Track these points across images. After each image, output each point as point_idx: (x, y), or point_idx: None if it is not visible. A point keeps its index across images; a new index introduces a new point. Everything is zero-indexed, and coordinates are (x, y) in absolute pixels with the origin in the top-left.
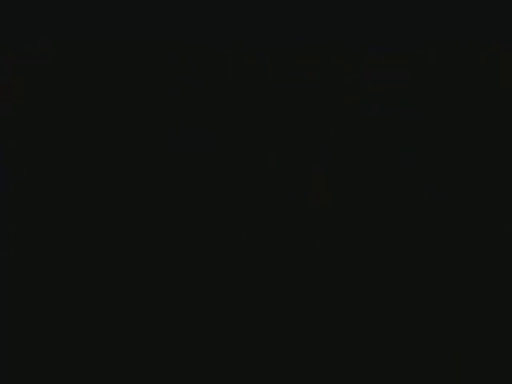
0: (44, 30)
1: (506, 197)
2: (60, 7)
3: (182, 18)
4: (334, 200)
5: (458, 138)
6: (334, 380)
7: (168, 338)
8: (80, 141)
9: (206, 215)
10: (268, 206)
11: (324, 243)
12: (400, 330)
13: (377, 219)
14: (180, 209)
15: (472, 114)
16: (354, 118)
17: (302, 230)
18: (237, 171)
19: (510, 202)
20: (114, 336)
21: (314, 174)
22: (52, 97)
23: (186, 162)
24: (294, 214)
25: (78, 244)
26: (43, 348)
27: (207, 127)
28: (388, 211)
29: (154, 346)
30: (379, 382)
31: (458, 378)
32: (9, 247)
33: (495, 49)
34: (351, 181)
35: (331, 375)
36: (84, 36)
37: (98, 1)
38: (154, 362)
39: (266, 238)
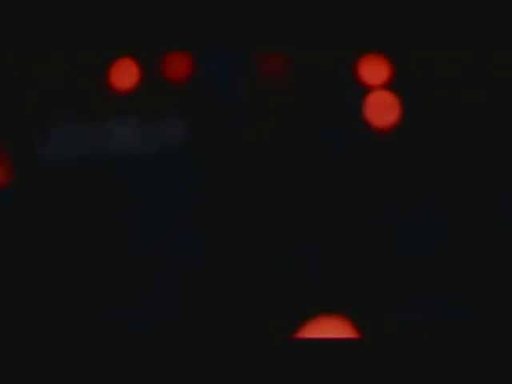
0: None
1: (504, 196)
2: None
3: (184, 19)
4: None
5: (457, 137)
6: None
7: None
8: None
9: None
10: None
11: None
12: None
13: None
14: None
15: (472, 114)
16: None
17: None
18: None
19: (508, 200)
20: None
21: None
22: None
23: None
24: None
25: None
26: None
27: None
28: None
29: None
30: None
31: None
32: None
33: (494, 49)
34: None
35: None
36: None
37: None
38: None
39: None
